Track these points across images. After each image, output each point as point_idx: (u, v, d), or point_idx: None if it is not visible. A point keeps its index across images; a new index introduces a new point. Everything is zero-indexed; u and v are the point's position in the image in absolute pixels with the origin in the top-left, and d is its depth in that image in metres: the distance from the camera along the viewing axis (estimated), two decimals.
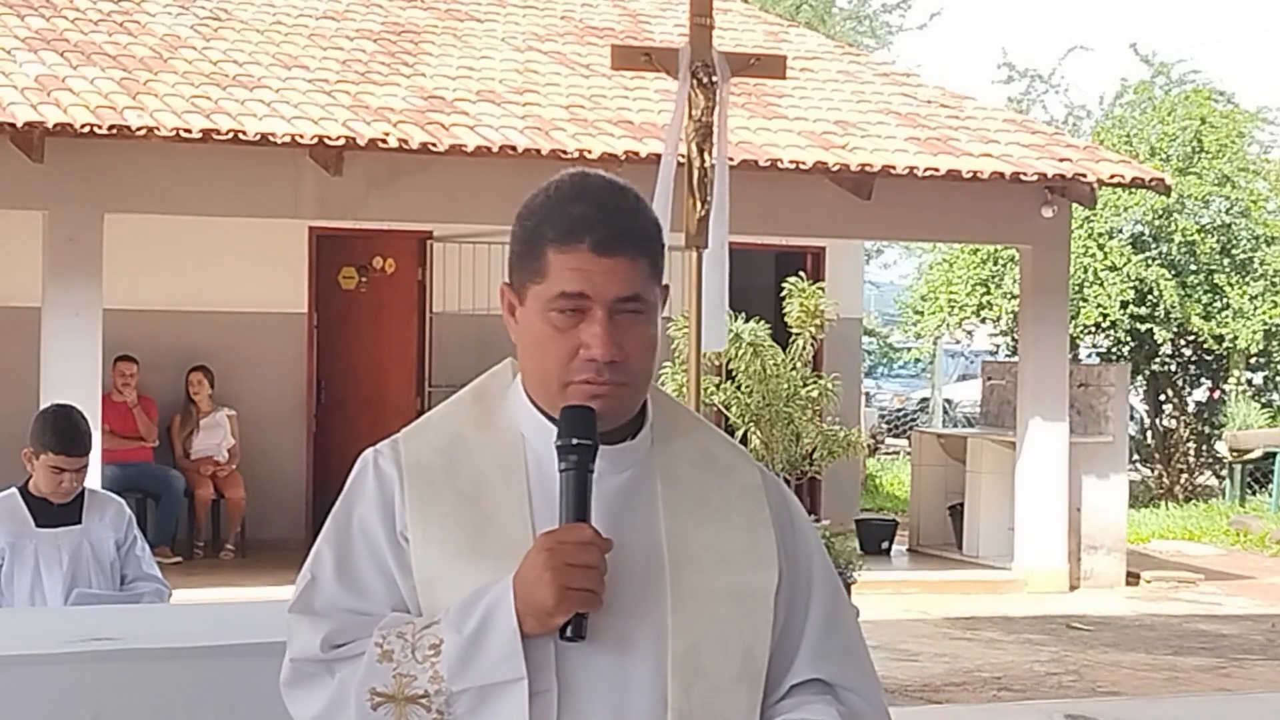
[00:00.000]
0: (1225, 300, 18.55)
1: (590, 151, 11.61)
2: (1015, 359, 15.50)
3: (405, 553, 2.30)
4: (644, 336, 2.34)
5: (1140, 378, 19.09)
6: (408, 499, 2.32)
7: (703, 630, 2.31)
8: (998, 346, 22.64)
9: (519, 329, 2.37)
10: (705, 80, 7.71)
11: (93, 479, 7.03)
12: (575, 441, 2.27)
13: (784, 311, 11.00)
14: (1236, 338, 18.46)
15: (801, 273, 13.32)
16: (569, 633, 2.22)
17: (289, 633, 2.33)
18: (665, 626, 2.29)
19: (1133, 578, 13.89)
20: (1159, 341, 18.69)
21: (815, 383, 10.75)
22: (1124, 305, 18.25)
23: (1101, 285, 18.26)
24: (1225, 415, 19.08)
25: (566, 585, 2.20)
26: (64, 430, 5.60)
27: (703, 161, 7.75)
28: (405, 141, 11.44)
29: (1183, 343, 19.31)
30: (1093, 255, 18.27)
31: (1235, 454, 18.38)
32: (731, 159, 8.49)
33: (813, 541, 2.51)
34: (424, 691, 2.22)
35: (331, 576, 2.33)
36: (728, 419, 10.88)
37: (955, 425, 22.88)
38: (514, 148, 11.58)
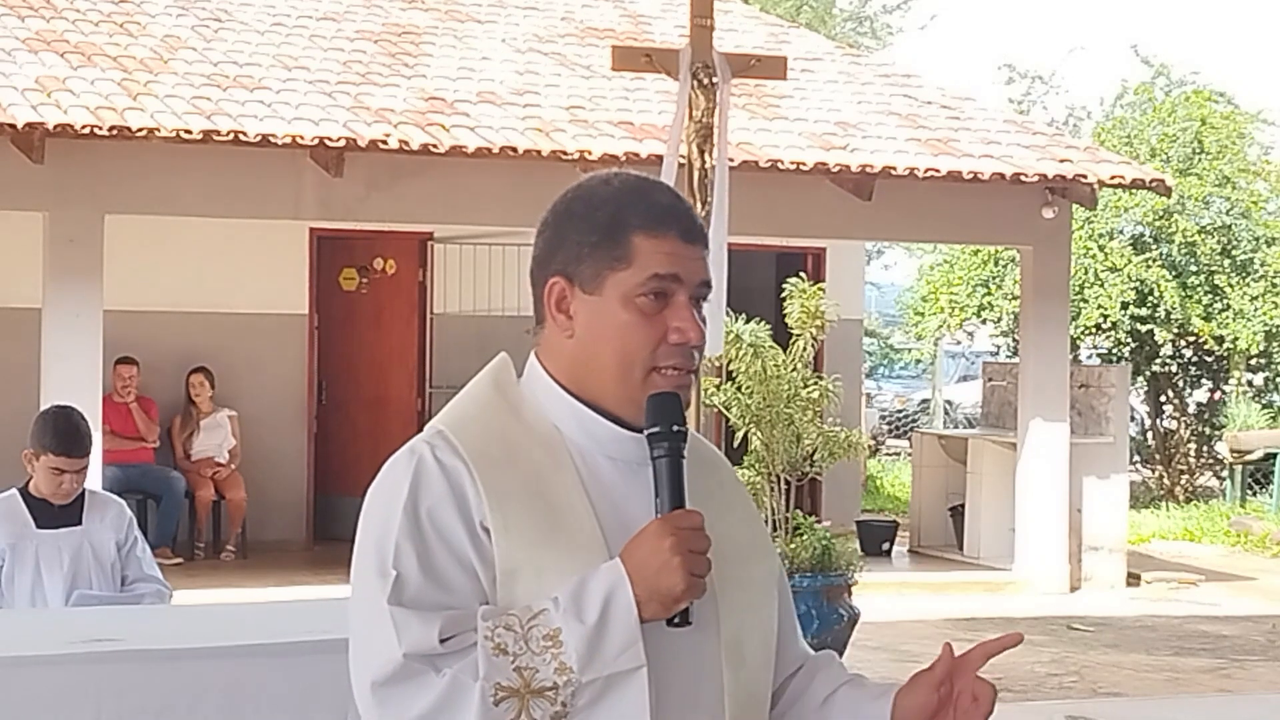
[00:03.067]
0: (1226, 301, 18.54)
1: (590, 153, 11.62)
2: (1016, 360, 15.50)
3: (485, 545, 2.26)
4: (707, 325, 2.42)
5: (1141, 379, 19.09)
6: (483, 489, 2.27)
7: (739, 618, 2.35)
8: (998, 347, 22.63)
9: (582, 320, 2.35)
10: (706, 81, 7.73)
11: (93, 480, 7.04)
12: (675, 429, 2.28)
13: (784, 312, 10.98)
14: (1237, 339, 18.46)
15: (802, 273, 13.30)
16: (677, 619, 2.24)
17: (391, 627, 2.22)
18: (717, 612, 2.33)
19: (1133, 579, 13.89)
20: (1159, 342, 18.69)
21: (816, 384, 10.74)
22: (1124, 306, 18.24)
23: (1102, 286, 18.26)
24: (1226, 416, 19.08)
25: (693, 572, 2.21)
26: (64, 432, 5.60)
27: (703, 162, 7.77)
28: (406, 143, 11.44)
29: (1183, 344, 19.30)
30: (1093, 256, 18.27)
31: (1236, 455, 18.37)
32: (732, 160, 8.51)
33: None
34: (551, 684, 2.19)
35: (416, 572, 2.25)
36: (728, 420, 10.88)
37: (956, 426, 22.88)
38: (514, 149, 11.58)
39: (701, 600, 2.26)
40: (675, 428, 2.29)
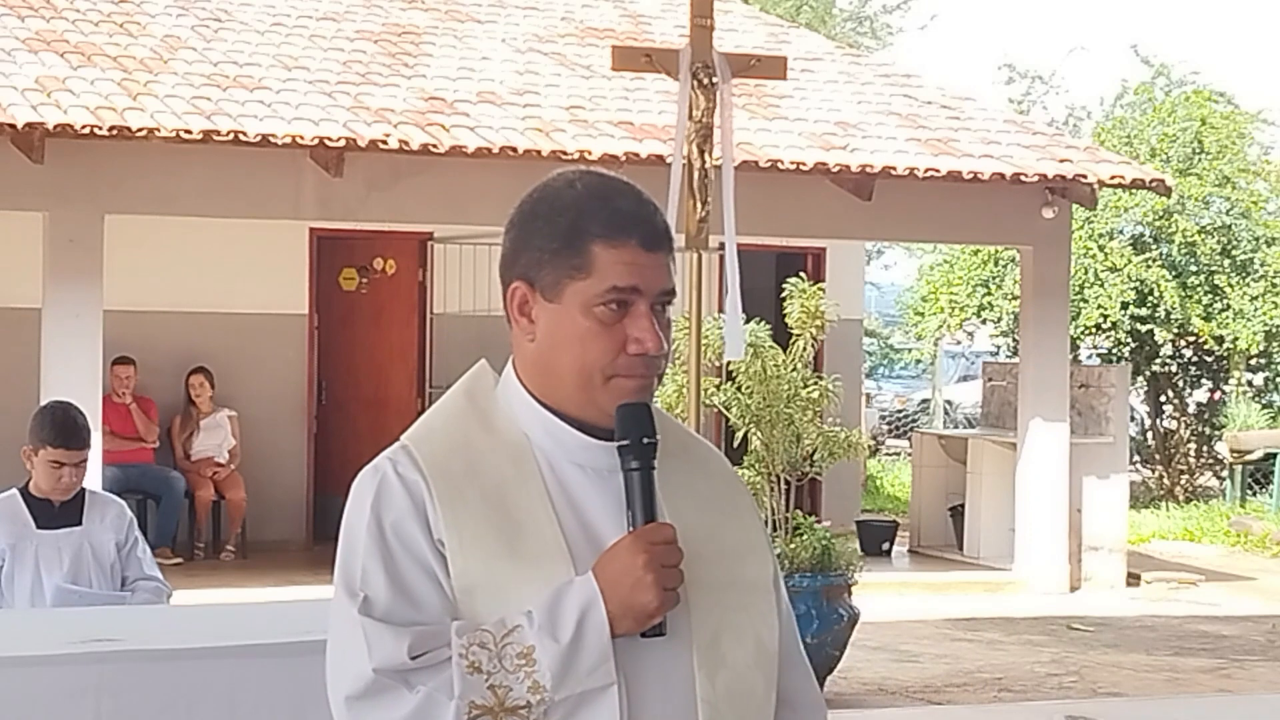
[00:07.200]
0: (1225, 301, 18.55)
1: (590, 153, 11.62)
2: (1016, 360, 15.50)
3: (444, 559, 2.27)
4: (670, 330, 2.38)
5: (1141, 379, 19.09)
6: (439, 505, 2.27)
7: (717, 621, 2.32)
8: (998, 347, 22.63)
9: (543, 326, 2.34)
10: (706, 81, 7.72)
11: (93, 481, 7.04)
12: (645, 440, 2.28)
13: (784, 312, 10.98)
14: (1237, 339, 18.46)
15: (802, 273, 13.29)
16: (650, 630, 2.24)
17: (363, 642, 2.22)
18: (689, 616, 2.30)
19: (1133, 579, 13.89)
20: (1159, 342, 18.69)
21: (816, 384, 10.73)
22: (1124, 306, 18.25)
23: (1102, 286, 18.26)
24: (1225, 416, 19.08)
25: (666, 586, 2.22)
26: (61, 423, 5.60)
27: (703, 163, 7.76)
28: (406, 143, 11.44)
29: (1183, 344, 19.31)
30: (1093, 256, 18.27)
31: (1235, 455, 18.37)
32: (732, 159, 8.49)
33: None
34: (525, 702, 2.19)
35: (385, 590, 2.25)
36: (728, 420, 10.88)
37: (956, 426, 22.88)
38: (514, 149, 11.58)
39: (673, 609, 2.26)
40: (645, 440, 2.28)
